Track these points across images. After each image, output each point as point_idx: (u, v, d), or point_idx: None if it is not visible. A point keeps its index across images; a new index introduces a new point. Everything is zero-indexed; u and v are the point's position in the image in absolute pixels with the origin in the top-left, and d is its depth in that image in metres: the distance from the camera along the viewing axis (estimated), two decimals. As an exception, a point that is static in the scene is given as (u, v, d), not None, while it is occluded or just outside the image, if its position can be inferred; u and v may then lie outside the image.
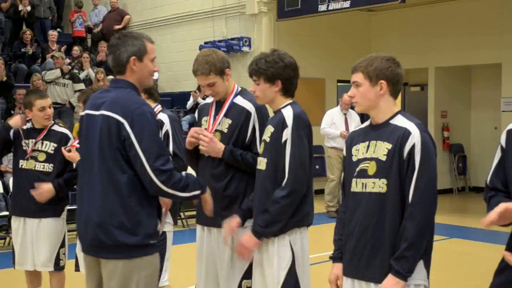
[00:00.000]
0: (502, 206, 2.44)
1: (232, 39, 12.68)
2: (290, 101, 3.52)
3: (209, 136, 3.74)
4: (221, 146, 3.73)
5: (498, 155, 2.73)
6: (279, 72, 3.45)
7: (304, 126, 3.40)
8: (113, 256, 3.10)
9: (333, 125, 10.55)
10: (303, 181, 3.37)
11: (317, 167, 12.93)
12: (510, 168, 2.64)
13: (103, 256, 3.14)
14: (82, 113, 3.32)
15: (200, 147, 3.78)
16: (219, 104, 3.89)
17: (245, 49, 12.54)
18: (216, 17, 13.16)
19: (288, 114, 3.40)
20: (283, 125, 3.38)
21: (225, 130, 3.79)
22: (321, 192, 10.89)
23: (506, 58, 12.00)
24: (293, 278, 3.41)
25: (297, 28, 12.64)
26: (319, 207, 10.33)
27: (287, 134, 3.36)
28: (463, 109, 13.94)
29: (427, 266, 2.90)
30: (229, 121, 3.80)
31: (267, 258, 3.48)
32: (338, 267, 3.11)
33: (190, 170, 3.98)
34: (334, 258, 3.15)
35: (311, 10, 11.76)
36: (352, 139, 3.09)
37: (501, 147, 2.70)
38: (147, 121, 3.04)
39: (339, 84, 13.63)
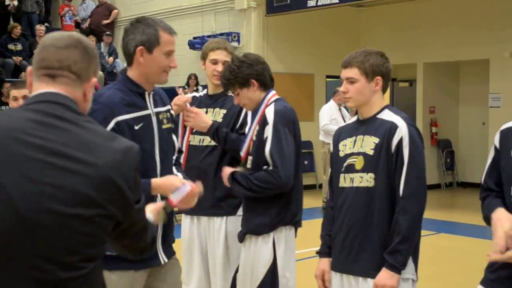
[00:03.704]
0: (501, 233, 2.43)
1: (221, 34, 12.64)
2: (275, 97, 3.52)
3: (195, 110, 3.77)
4: (208, 120, 3.77)
5: (491, 155, 2.72)
6: (247, 72, 3.46)
7: (286, 122, 3.37)
8: None
9: (333, 121, 10.36)
10: (284, 175, 3.30)
11: (305, 162, 12.95)
12: (503, 168, 2.64)
13: None
14: None
15: (186, 122, 3.83)
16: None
17: (234, 44, 12.51)
18: (205, 12, 13.13)
19: (269, 111, 3.40)
20: (265, 122, 3.39)
21: (220, 120, 3.85)
22: (309, 187, 10.91)
23: (494, 54, 12.06)
24: (273, 276, 3.41)
25: (286, 24, 12.63)
26: (308, 202, 10.33)
27: (267, 131, 3.36)
28: (451, 104, 14.00)
29: (415, 260, 2.92)
30: (223, 111, 3.88)
31: (249, 254, 3.49)
32: (324, 262, 3.11)
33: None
34: (321, 253, 3.16)
35: (300, 5, 11.75)
36: (339, 135, 3.10)
37: (495, 147, 2.69)
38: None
39: (328, 79, 13.65)
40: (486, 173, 2.73)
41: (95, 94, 2.65)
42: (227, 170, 3.50)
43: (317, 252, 3.17)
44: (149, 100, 2.94)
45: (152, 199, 2.76)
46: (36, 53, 1.83)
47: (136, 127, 2.83)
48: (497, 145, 2.67)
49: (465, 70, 13.91)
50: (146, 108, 2.91)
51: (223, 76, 3.55)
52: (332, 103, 10.62)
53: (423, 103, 13.49)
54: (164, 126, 2.98)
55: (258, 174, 3.35)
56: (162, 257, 2.96)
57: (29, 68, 1.86)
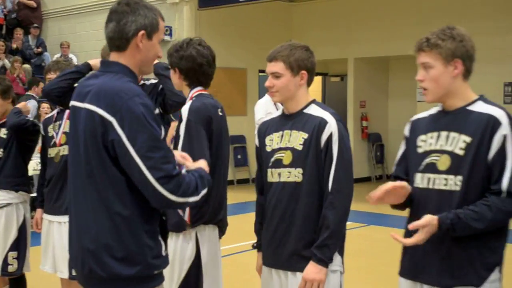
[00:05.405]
0: (389, 184, 2.63)
1: (153, 27, 12.51)
2: (198, 93, 3.38)
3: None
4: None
5: (402, 146, 2.83)
6: (175, 61, 3.35)
7: (201, 119, 3.26)
8: None
9: (268, 115, 10.31)
10: None
11: (239, 157, 12.98)
12: (410, 155, 2.75)
13: None
14: (70, 104, 2.63)
15: None
16: None
17: (167, 38, 12.38)
18: (137, 5, 12.94)
19: (185, 108, 3.30)
20: (181, 119, 3.30)
21: None
22: (243, 182, 10.93)
23: (422, 50, 12.37)
24: (197, 273, 3.34)
25: (218, 18, 12.60)
26: (241, 196, 10.37)
27: (181, 129, 3.27)
28: (381, 99, 14.29)
29: (341, 252, 2.96)
30: None
31: (173, 251, 3.38)
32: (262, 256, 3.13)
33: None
34: (258, 248, 3.16)
35: (233, -1, 11.76)
36: (265, 129, 3.09)
37: (405, 138, 2.79)
38: (141, 118, 2.34)
39: (260, 74, 13.70)
40: (396, 162, 2.84)
41: (130, 89, 2.40)
42: None
43: (254, 246, 3.18)
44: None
45: None
46: None
47: None
48: (408, 135, 2.78)
49: (394, 65, 14.23)
50: None
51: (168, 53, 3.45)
52: (267, 97, 10.53)
53: (354, 97, 13.72)
54: None
55: None
56: None
57: None
